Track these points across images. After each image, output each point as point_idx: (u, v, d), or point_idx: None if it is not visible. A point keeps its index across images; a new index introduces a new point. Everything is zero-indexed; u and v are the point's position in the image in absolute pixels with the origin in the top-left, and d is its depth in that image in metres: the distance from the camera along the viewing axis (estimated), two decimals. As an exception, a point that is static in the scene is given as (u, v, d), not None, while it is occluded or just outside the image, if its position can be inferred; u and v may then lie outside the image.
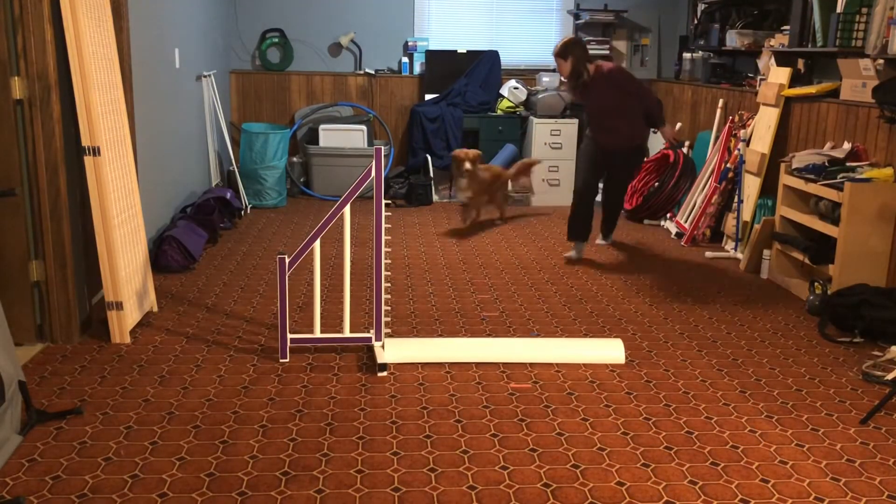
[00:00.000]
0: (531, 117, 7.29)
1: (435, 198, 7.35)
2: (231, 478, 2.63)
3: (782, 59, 5.53)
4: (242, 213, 6.49)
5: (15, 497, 2.47)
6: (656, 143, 7.39)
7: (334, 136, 7.23)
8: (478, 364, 3.60)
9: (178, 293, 4.52)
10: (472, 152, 6.15)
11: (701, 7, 7.08)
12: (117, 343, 3.73)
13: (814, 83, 5.32)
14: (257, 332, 3.95)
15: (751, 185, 5.53)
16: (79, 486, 2.56)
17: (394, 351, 3.59)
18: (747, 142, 5.68)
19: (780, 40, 5.63)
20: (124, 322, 3.74)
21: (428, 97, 7.56)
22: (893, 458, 2.85)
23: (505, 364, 3.60)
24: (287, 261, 3.50)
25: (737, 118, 5.88)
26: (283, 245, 5.61)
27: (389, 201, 7.15)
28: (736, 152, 5.72)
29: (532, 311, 4.38)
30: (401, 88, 7.72)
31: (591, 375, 3.52)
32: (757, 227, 5.16)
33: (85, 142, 3.59)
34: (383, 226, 3.53)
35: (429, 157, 7.25)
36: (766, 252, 5.09)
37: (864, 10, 4.60)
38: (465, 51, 7.59)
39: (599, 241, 5.83)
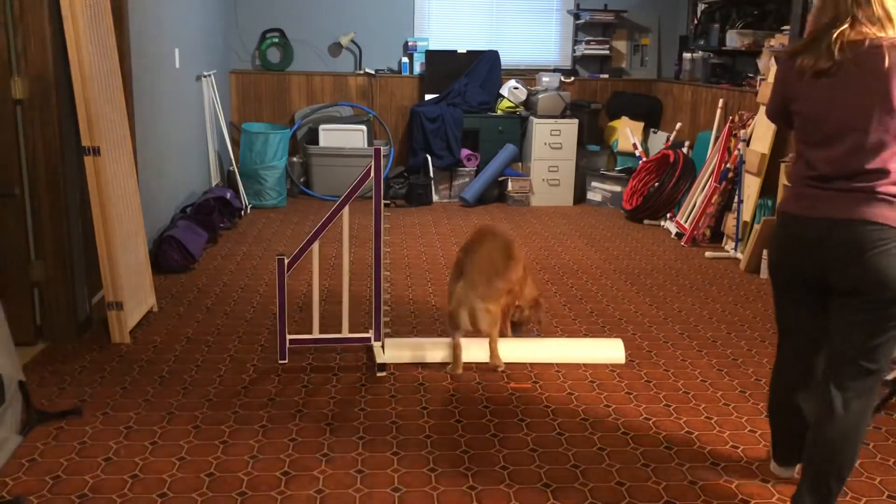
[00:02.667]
0: (531, 117, 7.29)
1: (435, 198, 7.35)
2: (231, 478, 2.63)
3: (782, 59, 5.52)
4: (242, 213, 6.49)
5: (15, 497, 2.47)
6: (656, 143, 7.40)
7: (334, 136, 7.22)
8: (478, 364, 3.60)
9: (178, 293, 4.52)
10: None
11: (701, 7, 7.08)
12: (117, 343, 3.73)
13: (814, 83, 5.31)
14: (257, 332, 3.95)
15: (751, 185, 5.53)
16: (79, 486, 2.56)
17: (393, 351, 3.59)
18: (747, 142, 5.68)
19: (780, 40, 5.63)
20: (124, 322, 3.74)
21: (428, 97, 7.56)
22: (893, 458, 2.85)
23: (505, 364, 3.60)
24: (286, 262, 3.50)
25: (737, 118, 5.88)
26: (283, 245, 5.61)
27: (389, 201, 7.15)
28: (736, 152, 5.72)
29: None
30: (401, 88, 7.72)
31: (591, 375, 3.52)
32: (757, 227, 5.16)
33: (85, 142, 3.59)
34: (382, 226, 3.53)
35: (429, 158, 7.25)
36: (766, 252, 5.09)
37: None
38: (465, 51, 7.59)
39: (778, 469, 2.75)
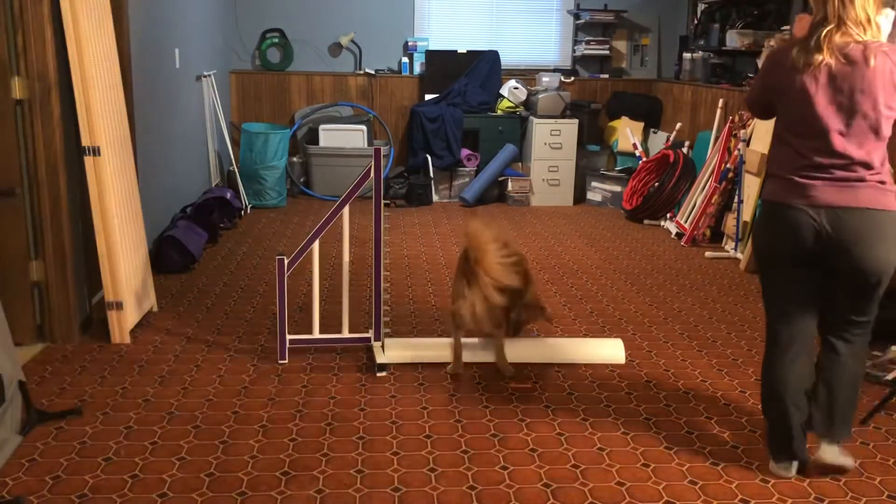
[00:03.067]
0: (531, 117, 7.29)
1: (435, 198, 7.35)
2: (231, 478, 2.63)
3: (782, 59, 5.52)
4: (242, 213, 6.49)
5: (15, 497, 2.47)
6: (656, 143, 7.40)
7: (334, 136, 7.22)
8: (478, 364, 3.60)
9: (178, 293, 4.52)
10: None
11: (701, 7, 7.09)
12: (117, 343, 3.73)
13: (814, 83, 5.31)
14: (257, 332, 3.95)
15: (751, 185, 5.53)
16: (79, 486, 2.56)
17: (393, 351, 3.59)
18: (747, 142, 5.68)
19: (780, 40, 5.63)
20: (124, 322, 3.74)
21: (428, 97, 7.56)
22: (893, 458, 2.85)
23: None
24: (286, 262, 3.50)
25: (737, 118, 5.88)
26: (283, 245, 5.61)
27: (389, 201, 7.15)
28: (736, 152, 5.73)
29: (532, 311, 4.38)
30: (401, 88, 7.72)
31: (590, 375, 3.52)
32: (757, 227, 5.15)
33: (85, 142, 3.59)
34: (382, 226, 3.53)
35: (429, 158, 7.25)
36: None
37: (864, 10, 4.60)
38: (465, 51, 7.59)
39: (828, 455, 2.67)
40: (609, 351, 3.68)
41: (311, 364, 3.57)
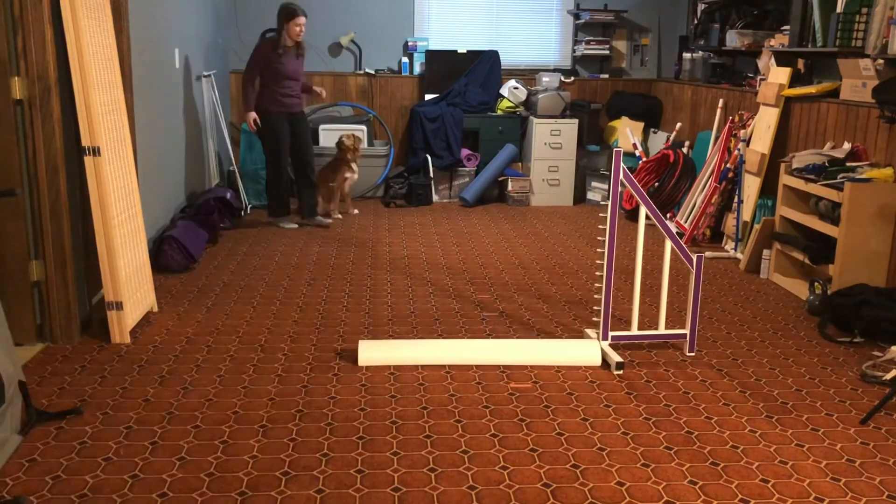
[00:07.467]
0: (531, 117, 7.29)
1: (435, 198, 7.35)
2: (231, 478, 2.63)
3: (782, 59, 5.53)
4: (242, 213, 6.49)
5: (15, 497, 2.47)
6: (656, 143, 7.40)
7: (334, 136, 7.21)
8: (478, 364, 3.60)
9: (178, 293, 4.52)
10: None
11: (701, 7, 7.09)
12: (117, 343, 3.73)
13: (814, 83, 5.32)
14: (257, 332, 3.95)
15: (751, 185, 5.53)
16: (79, 486, 2.56)
17: (392, 352, 3.59)
18: (747, 142, 5.68)
19: (780, 40, 5.63)
20: (124, 322, 3.74)
21: (428, 97, 7.56)
22: (893, 458, 2.86)
23: (505, 364, 3.60)
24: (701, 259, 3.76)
25: (737, 118, 5.88)
26: (283, 245, 5.61)
27: (389, 201, 7.14)
28: (736, 152, 5.73)
29: (532, 311, 4.38)
30: (401, 88, 7.72)
31: (591, 375, 3.52)
32: (757, 227, 5.16)
33: (85, 142, 3.59)
34: (616, 228, 3.60)
35: (429, 158, 7.25)
36: (766, 252, 5.09)
37: (864, 10, 4.61)
38: (465, 51, 7.59)
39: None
40: (584, 353, 3.66)
41: (312, 364, 3.56)
